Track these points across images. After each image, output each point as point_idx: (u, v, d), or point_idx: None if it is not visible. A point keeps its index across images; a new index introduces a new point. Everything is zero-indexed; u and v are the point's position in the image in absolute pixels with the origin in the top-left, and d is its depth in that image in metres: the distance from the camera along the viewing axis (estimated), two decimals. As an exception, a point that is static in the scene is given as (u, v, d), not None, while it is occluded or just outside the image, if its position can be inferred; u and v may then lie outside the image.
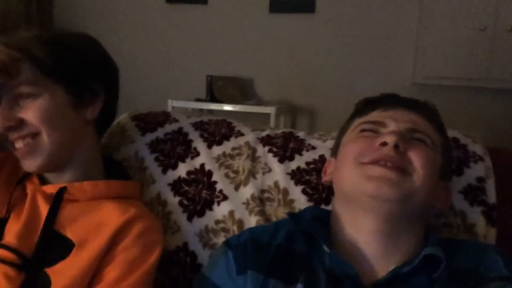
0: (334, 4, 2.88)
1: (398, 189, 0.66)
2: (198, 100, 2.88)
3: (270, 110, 2.68)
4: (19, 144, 0.80)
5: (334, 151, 0.84)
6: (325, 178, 0.83)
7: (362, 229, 0.70)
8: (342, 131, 0.83)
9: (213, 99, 2.83)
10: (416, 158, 0.69)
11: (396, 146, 0.67)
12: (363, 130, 0.75)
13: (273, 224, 0.81)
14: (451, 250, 0.70)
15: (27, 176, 0.86)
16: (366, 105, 0.81)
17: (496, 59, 2.59)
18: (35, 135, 0.80)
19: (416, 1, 2.71)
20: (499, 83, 2.62)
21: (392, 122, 0.74)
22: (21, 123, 0.79)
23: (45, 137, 0.80)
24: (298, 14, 2.92)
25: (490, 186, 0.86)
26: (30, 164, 0.81)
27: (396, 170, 0.67)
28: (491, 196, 0.85)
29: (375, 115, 0.77)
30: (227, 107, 2.66)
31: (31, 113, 0.79)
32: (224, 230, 0.90)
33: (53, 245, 0.78)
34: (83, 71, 0.85)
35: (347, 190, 0.71)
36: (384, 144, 0.68)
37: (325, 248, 0.69)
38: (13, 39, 0.81)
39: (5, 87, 0.79)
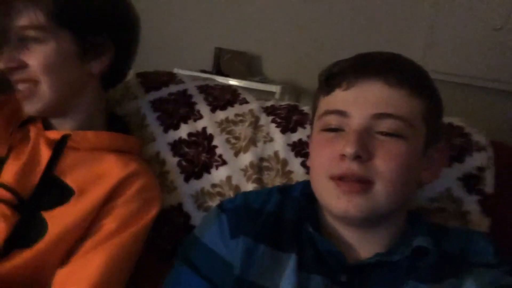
0: (349, -12, 2.83)
1: (364, 208, 0.63)
2: (203, 71, 2.86)
3: (275, 88, 2.66)
4: (20, 87, 0.79)
5: (310, 138, 0.77)
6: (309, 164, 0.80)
7: (341, 226, 0.70)
8: (313, 106, 0.76)
9: (219, 72, 2.81)
10: (381, 163, 0.62)
11: (357, 157, 0.62)
12: (326, 129, 0.68)
13: (267, 189, 0.80)
14: (440, 235, 0.69)
15: (31, 119, 0.86)
16: (328, 83, 0.70)
17: (507, 61, 2.56)
18: (36, 81, 0.78)
19: (433, -7, 2.67)
20: (507, 86, 2.60)
21: (356, 110, 0.65)
22: (23, 66, 0.78)
23: (44, 85, 0.78)
24: (313, -5, 2.87)
25: (489, 177, 0.86)
26: (29, 108, 0.80)
27: (360, 185, 0.62)
28: (489, 186, 0.85)
29: (337, 98, 0.68)
30: (232, 82, 2.64)
31: (34, 58, 0.78)
32: (220, 194, 0.90)
33: (52, 189, 0.78)
34: (93, 22, 0.81)
35: (318, 197, 0.69)
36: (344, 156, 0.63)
37: (309, 229, 0.69)
38: None
39: (11, 28, 0.77)
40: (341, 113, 0.66)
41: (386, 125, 0.64)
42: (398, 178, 0.63)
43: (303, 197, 0.75)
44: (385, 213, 0.65)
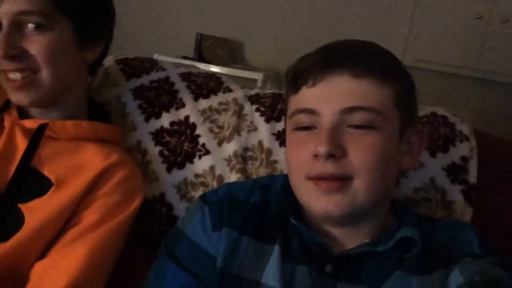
0: (333, -26, 2.81)
1: (345, 206, 0.62)
2: (185, 57, 2.81)
3: (257, 76, 2.64)
4: (15, 76, 0.75)
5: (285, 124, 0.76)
6: None
7: (321, 222, 0.69)
8: (284, 105, 0.75)
9: (201, 58, 2.77)
10: (357, 156, 0.61)
11: (330, 156, 0.61)
12: (297, 128, 0.67)
13: (251, 181, 0.80)
14: (427, 227, 0.70)
15: (5, 107, 0.82)
16: (294, 81, 0.68)
17: (488, 50, 2.59)
18: (35, 70, 0.75)
19: (415, -18, 2.67)
20: (488, 74, 2.63)
21: (325, 107, 0.63)
22: (24, 54, 0.74)
23: (45, 75, 0.76)
24: (296, -19, 2.84)
25: (473, 167, 0.86)
26: (22, 98, 0.77)
27: (338, 184, 0.62)
28: (472, 176, 0.86)
29: (306, 96, 0.66)
30: (214, 69, 2.60)
31: (37, 47, 0.74)
32: (203, 184, 0.89)
33: (29, 181, 0.76)
34: (92, 9, 0.81)
35: (298, 197, 0.68)
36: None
37: (293, 221, 0.68)
38: None
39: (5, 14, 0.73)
40: (311, 112, 0.65)
41: (356, 118, 0.62)
42: (376, 170, 0.62)
43: (285, 191, 0.73)
44: (367, 207, 0.64)
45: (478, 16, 2.56)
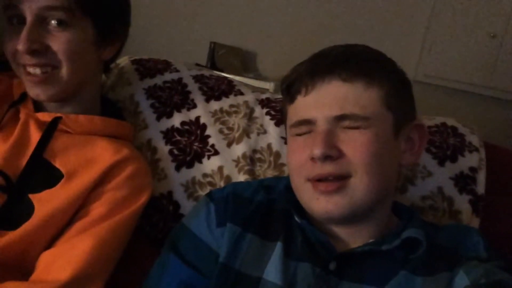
0: (348, -12, 2.84)
1: (345, 205, 0.63)
2: (198, 65, 2.84)
3: (269, 85, 2.65)
4: (34, 71, 0.76)
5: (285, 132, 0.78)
6: None
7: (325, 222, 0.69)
8: (282, 114, 0.78)
9: (213, 67, 2.80)
10: (354, 154, 0.63)
11: (327, 157, 0.63)
12: (297, 135, 0.69)
13: (257, 181, 0.81)
14: (433, 231, 0.70)
15: (21, 100, 0.84)
16: (288, 92, 0.71)
17: (502, 68, 2.58)
18: (55, 66, 0.77)
19: (428, 0, 2.69)
20: (500, 93, 2.62)
21: (319, 115, 0.65)
22: (46, 49, 0.75)
23: (64, 71, 0.77)
24: (310, -7, 2.87)
25: (481, 178, 0.86)
26: (40, 93, 0.78)
27: (336, 185, 0.63)
28: (481, 187, 0.85)
29: (301, 105, 0.69)
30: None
31: (59, 43, 0.75)
32: (211, 184, 0.89)
33: (40, 172, 0.77)
34: (112, 9, 0.83)
35: (300, 200, 0.69)
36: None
37: (297, 219, 0.69)
38: None
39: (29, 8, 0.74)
40: (307, 122, 0.67)
41: (347, 123, 0.65)
42: (372, 167, 0.63)
43: (288, 191, 0.73)
44: (367, 205, 0.65)
45: (492, 34, 2.56)
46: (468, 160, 0.87)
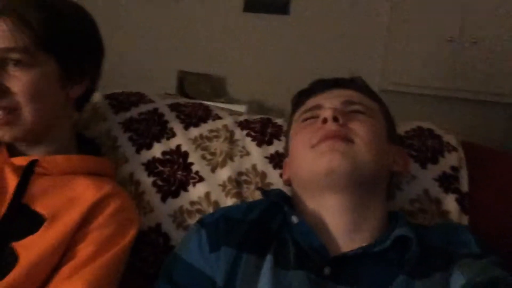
0: (307, 8, 2.92)
1: (347, 157, 0.68)
2: (168, 95, 2.83)
3: (241, 108, 2.66)
4: None
5: (286, 149, 0.85)
6: (285, 177, 0.84)
7: (325, 210, 0.71)
8: (288, 128, 0.86)
9: (183, 95, 2.80)
10: (357, 127, 0.72)
11: (335, 119, 0.71)
12: (304, 120, 0.78)
13: (246, 203, 0.82)
14: (422, 231, 0.71)
15: None
16: (300, 97, 0.84)
17: (461, 70, 2.69)
18: (16, 108, 0.75)
19: (386, 9, 2.79)
20: (463, 93, 2.72)
21: (327, 101, 0.77)
22: (5, 91, 0.73)
23: (27, 112, 0.75)
24: (272, 15, 2.94)
25: (463, 175, 0.88)
26: (3, 134, 0.76)
27: (341, 139, 0.69)
28: (464, 185, 0.87)
29: (310, 102, 0.80)
30: (198, 104, 2.63)
31: (20, 84, 0.74)
32: (200, 211, 0.88)
33: (21, 218, 0.74)
34: (78, 47, 0.81)
35: (305, 176, 0.73)
36: (325, 121, 0.72)
37: (293, 219, 0.70)
38: (2, 1, 0.75)
39: None
40: (316, 107, 0.78)
41: (353, 107, 0.76)
42: (373, 140, 0.71)
43: (282, 197, 0.77)
44: (367, 171, 0.69)
45: (450, 38, 2.67)
46: (449, 160, 0.89)
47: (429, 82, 2.76)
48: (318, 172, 0.69)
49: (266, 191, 0.81)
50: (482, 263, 0.63)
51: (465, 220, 0.84)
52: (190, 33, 3.03)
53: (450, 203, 0.85)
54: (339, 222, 0.70)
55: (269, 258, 0.68)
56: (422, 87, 2.77)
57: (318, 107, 0.77)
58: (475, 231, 0.80)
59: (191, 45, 3.03)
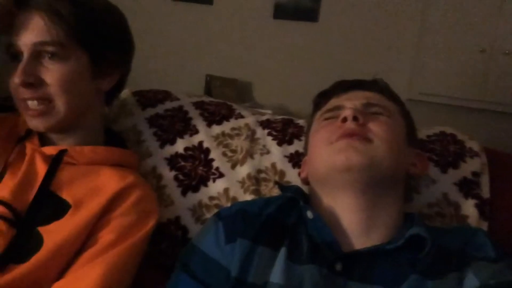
0: (336, 15, 2.92)
1: (365, 155, 0.69)
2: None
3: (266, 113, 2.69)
4: (32, 103, 0.79)
5: (305, 148, 0.86)
6: (303, 175, 0.85)
7: (340, 207, 0.72)
8: (308, 127, 0.87)
9: (210, 98, 2.84)
10: (376, 127, 0.72)
11: (355, 118, 0.72)
12: (325, 119, 0.79)
13: (263, 198, 0.83)
14: (438, 232, 0.71)
15: (27, 136, 0.85)
16: (322, 98, 0.86)
17: (492, 82, 2.63)
18: (50, 99, 0.79)
19: (417, 17, 2.76)
20: (493, 105, 2.66)
21: (348, 102, 0.78)
22: (40, 82, 0.78)
23: (60, 103, 0.79)
24: (301, 22, 2.95)
25: (485, 182, 0.87)
26: (38, 124, 0.80)
27: (360, 138, 0.70)
28: (485, 191, 0.86)
29: (331, 103, 0.82)
30: (224, 107, 2.66)
31: (53, 76, 0.78)
32: (218, 206, 0.90)
33: (48, 204, 0.77)
34: (109, 40, 0.84)
35: (321, 172, 0.74)
36: (345, 120, 0.73)
37: (308, 214, 0.71)
38: None
39: (25, 44, 0.77)
40: (337, 107, 0.78)
41: (373, 109, 0.77)
42: (392, 140, 0.72)
43: (298, 193, 0.78)
44: (384, 170, 0.69)
45: (481, 49, 2.62)
46: (470, 165, 0.88)
47: (458, 93, 2.70)
48: (335, 168, 0.70)
49: (284, 186, 0.82)
50: (497, 266, 0.63)
51: (484, 226, 0.83)
52: (219, 38, 3.07)
53: (469, 208, 0.84)
54: (353, 219, 0.70)
55: (282, 251, 0.69)
56: (451, 98, 2.72)
57: (339, 107, 0.78)
58: (495, 237, 0.80)
59: (219, 50, 3.08)
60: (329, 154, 0.72)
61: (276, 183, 0.86)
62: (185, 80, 3.10)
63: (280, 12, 2.97)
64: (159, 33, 3.13)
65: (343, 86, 0.84)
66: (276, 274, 0.67)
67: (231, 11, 3.04)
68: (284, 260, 0.68)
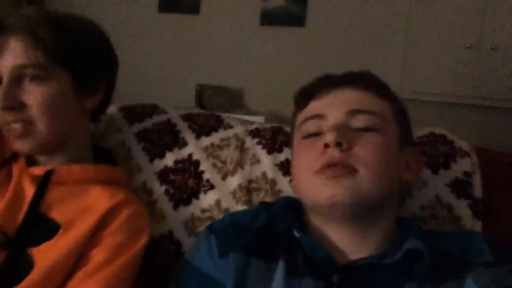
0: (323, 19, 2.93)
1: (350, 190, 0.64)
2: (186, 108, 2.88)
3: (258, 119, 2.68)
4: (15, 126, 0.78)
5: (291, 150, 0.81)
6: (293, 183, 0.80)
7: (331, 229, 0.70)
8: (291, 127, 0.81)
9: (202, 108, 2.84)
10: (362, 151, 0.65)
11: (338, 144, 0.65)
12: (306, 136, 0.72)
13: (254, 207, 0.81)
14: (434, 238, 0.70)
15: (13, 158, 0.84)
16: (302, 97, 0.76)
17: (482, 77, 2.65)
18: (32, 122, 0.78)
19: (403, 17, 2.78)
20: (484, 101, 2.67)
21: (331, 111, 0.69)
22: (21, 105, 0.77)
23: (42, 125, 0.78)
24: (288, 28, 2.96)
25: (477, 181, 0.87)
26: (22, 146, 0.80)
27: (344, 169, 0.64)
28: (477, 191, 0.86)
29: (313, 107, 0.73)
30: (216, 116, 2.66)
31: (34, 98, 0.77)
32: (211, 218, 0.89)
33: (37, 226, 0.77)
34: (90, 58, 0.84)
35: (307, 202, 0.71)
36: (327, 145, 0.66)
37: (295, 233, 0.69)
38: (15, 18, 0.79)
39: (5, 67, 0.76)
40: (318, 116, 0.71)
41: (361, 120, 0.68)
42: (379, 165, 0.66)
43: (288, 207, 0.76)
44: (372, 201, 0.65)
45: (468, 45, 2.64)
46: (461, 166, 0.88)
47: (448, 90, 2.72)
48: (320, 203, 0.66)
49: (266, 204, 0.79)
50: (495, 272, 0.62)
51: (478, 226, 0.82)
52: (208, 46, 3.08)
53: (463, 208, 0.83)
54: (344, 239, 0.69)
55: (281, 265, 0.68)
56: (441, 95, 2.74)
57: (320, 116, 0.70)
58: (489, 237, 0.79)
59: (209, 58, 3.08)
60: (313, 185, 0.67)
61: (260, 203, 0.81)
62: (176, 91, 3.10)
63: (267, 19, 2.98)
64: (148, 45, 3.13)
65: (326, 84, 0.74)
66: None
67: (218, 19, 3.05)
68: (283, 275, 0.66)
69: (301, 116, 0.75)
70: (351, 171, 0.64)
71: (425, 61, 2.73)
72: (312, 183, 0.67)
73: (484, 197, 0.86)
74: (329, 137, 0.65)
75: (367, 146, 0.66)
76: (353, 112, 0.68)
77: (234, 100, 3.03)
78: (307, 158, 0.69)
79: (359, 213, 0.66)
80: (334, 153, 0.65)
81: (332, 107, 0.70)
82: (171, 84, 3.12)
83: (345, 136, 0.66)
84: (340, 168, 0.64)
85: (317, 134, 0.70)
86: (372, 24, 2.87)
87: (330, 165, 0.65)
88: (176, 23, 3.10)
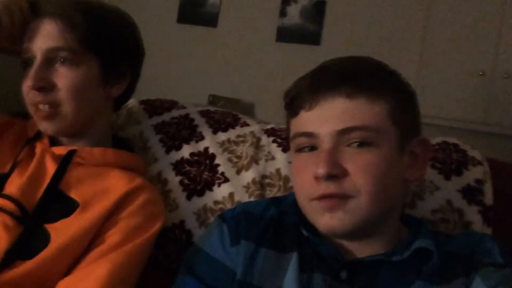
0: (338, 39, 2.97)
1: (348, 221, 0.63)
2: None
3: (268, 133, 2.71)
4: (43, 107, 0.80)
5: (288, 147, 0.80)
6: None
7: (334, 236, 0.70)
8: (286, 129, 0.78)
9: (213, 118, 2.87)
10: (357, 175, 0.63)
11: (330, 177, 0.63)
12: (300, 149, 0.69)
13: (266, 199, 0.83)
14: (444, 239, 0.70)
15: (37, 137, 0.87)
16: (292, 106, 0.72)
17: (493, 104, 2.66)
18: (59, 104, 0.80)
19: (418, 41, 2.81)
20: (495, 128, 2.68)
21: (322, 128, 0.65)
22: (51, 87, 0.79)
23: (69, 108, 0.81)
24: (303, 45, 3.00)
25: (488, 189, 0.87)
26: (48, 127, 0.82)
27: (340, 200, 0.63)
28: (489, 199, 0.86)
29: (303, 118, 0.68)
30: (227, 127, 2.69)
31: (64, 81, 0.80)
32: (223, 210, 0.90)
33: (56, 202, 0.78)
34: (120, 47, 0.87)
35: (307, 218, 0.70)
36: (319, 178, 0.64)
37: (304, 232, 0.70)
38: (51, 3, 0.82)
39: (39, 48, 0.79)
40: (309, 135, 0.67)
41: (353, 136, 0.64)
42: (376, 187, 0.63)
43: (297, 205, 0.74)
44: (370, 223, 0.65)
45: (481, 73, 2.66)
46: (473, 173, 0.89)
47: (458, 116, 2.73)
48: (319, 226, 0.67)
49: (277, 199, 0.79)
50: (504, 272, 0.62)
51: (488, 232, 0.83)
52: (223, 59, 3.13)
53: (473, 214, 0.84)
54: (349, 243, 0.69)
55: (295, 257, 0.68)
56: (451, 120, 2.75)
57: (310, 135, 0.67)
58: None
59: (223, 70, 3.13)
60: (312, 211, 0.67)
61: (270, 198, 0.82)
62: (189, 99, 3.13)
63: (283, 35, 3.03)
64: (164, 54, 3.18)
65: (314, 91, 0.67)
66: (290, 283, 0.66)
67: (235, 33, 3.10)
68: (296, 267, 0.67)
69: (293, 125, 0.71)
70: (346, 202, 0.63)
71: (437, 86, 2.75)
72: (311, 209, 0.67)
73: (495, 205, 0.86)
74: (320, 171, 0.62)
75: (362, 167, 0.63)
76: (344, 131, 0.64)
77: (245, 113, 3.05)
78: (302, 184, 0.67)
79: (360, 231, 0.66)
80: (327, 185, 0.63)
81: (322, 125, 0.65)
82: (185, 92, 3.15)
83: (338, 162, 0.63)
84: (335, 200, 0.63)
85: (311, 148, 0.67)
86: (385, 47, 2.90)
87: (324, 197, 0.64)
88: (194, 35, 3.16)
